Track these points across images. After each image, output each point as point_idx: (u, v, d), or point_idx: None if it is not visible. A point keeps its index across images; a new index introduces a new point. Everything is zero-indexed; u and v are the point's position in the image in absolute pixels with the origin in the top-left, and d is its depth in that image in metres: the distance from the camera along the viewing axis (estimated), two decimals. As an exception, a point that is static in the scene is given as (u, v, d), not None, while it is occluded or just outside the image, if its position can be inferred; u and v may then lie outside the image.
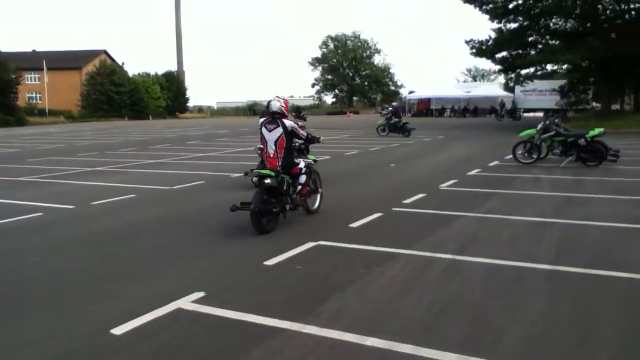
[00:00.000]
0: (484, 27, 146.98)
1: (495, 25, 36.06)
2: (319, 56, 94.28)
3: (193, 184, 11.63)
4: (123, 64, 70.47)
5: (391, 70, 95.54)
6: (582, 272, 5.22)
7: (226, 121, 56.09)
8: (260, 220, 6.98)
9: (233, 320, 4.24)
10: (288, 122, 7.60)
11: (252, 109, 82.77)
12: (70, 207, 9.19)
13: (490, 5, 34.56)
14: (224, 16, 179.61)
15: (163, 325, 4.18)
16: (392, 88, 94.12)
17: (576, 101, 44.08)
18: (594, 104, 46.88)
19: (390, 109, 62.72)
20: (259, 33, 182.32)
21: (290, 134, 7.55)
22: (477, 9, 35.09)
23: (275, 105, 7.61)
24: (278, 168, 7.44)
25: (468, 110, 55.32)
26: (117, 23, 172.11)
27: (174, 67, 79.56)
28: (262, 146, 7.80)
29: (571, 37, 34.73)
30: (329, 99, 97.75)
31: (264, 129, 7.59)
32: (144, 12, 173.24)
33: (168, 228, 7.60)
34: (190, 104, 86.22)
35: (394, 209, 8.46)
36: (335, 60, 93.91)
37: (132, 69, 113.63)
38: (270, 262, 5.71)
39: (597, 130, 13.47)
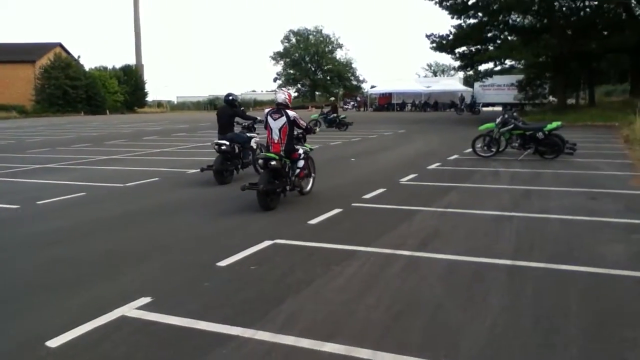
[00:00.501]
0: (446, 23, 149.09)
1: (455, 21, 36.41)
2: (281, 50, 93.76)
3: (147, 181, 11.22)
4: (79, 57, 68.55)
5: (353, 65, 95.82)
6: (543, 267, 5.15)
7: (185, 116, 55.19)
8: (266, 199, 8.00)
9: (181, 327, 3.98)
10: (291, 113, 8.47)
11: (212, 104, 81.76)
12: (15, 207, 8.71)
13: (450, 1, 34.78)
14: (184, 8, 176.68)
15: (104, 335, 3.89)
16: (354, 83, 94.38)
17: (533, 95, 44.91)
18: (551, 98, 47.95)
19: (352, 102, 63.05)
20: (221, 26, 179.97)
21: (292, 122, 8.45)
22: (437, 5, 35.29)
23: (280, 97, 8.65)
24: (281, 152, 8.37)
25: (428, 104, 55.96)
26: (73, 15, 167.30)
27: (132, 61, 77.79)
28: (265, 135, 8.68)
29: (529, 33, 35.34)
30: (291, 93, 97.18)
31: (269, 118, 8.50)
32: (102, 4, 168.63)
33: (117, 228, 7.24)
34: (150, 98, 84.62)
35: (354, 204, 8.29)
36: (297, 54, 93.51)
37: (89, 63, 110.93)
38: (223, 263, 5.45)
39: (554, 124, 13.62)
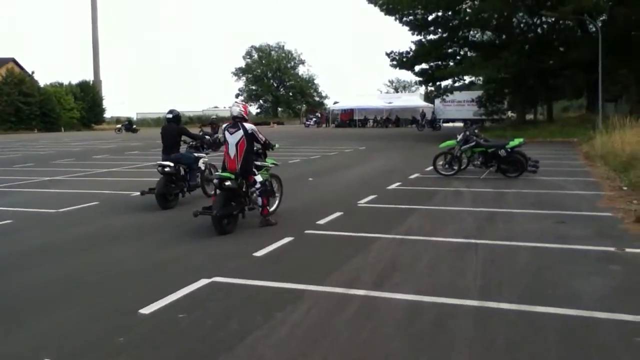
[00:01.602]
0: (407, 39, 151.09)
1: (416, 37, 36.44)
2: (243, 66, 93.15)
3: (84, 205, 10.27)
4: (33, 72, 66.24)
5: (315, 81, 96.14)
6: (515, 309, 4.52)
7: (143, 133, 53.70)
8: (221, 223, 7.44)
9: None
10: (248, 125, 7.92)
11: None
12: None
13: (410, 18, 34.77)
14: (145, 23, 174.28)
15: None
16: (317, 99, 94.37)
17: (492, 111, 45.35)
18: (510, 113, 48.52)
19: (314, 119, 62.75)
20: (182, 42, 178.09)
21: (250, 136, 7.87)
22: (398, 21, 35.23)
23: (235, 110, 8.06)
24: (237, 170, 7.79)
25: (390, 120, 56.02)
26: (27, 30, 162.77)
27: (90, 77, 75.84)
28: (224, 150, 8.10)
29: (488, 49, 35.59)
30: (253, 109, 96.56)
31: (226, 133, 7.93)
32: (58, 18, 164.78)
33: (30, 265, 6.33)
34: (108, 114, 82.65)
35: (307, 231, 7.58)
36: (259, 70, 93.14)
37: (44, 79, 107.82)
38: (147, 309, 4.65)
39: (516, 141, 13.25)
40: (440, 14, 34.35)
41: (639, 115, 26.16)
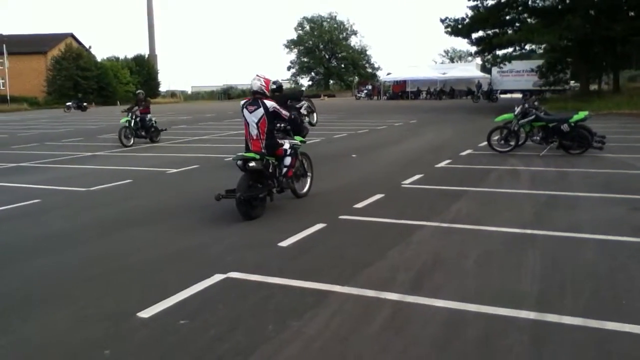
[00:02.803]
0: (462, 5, 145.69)
1: (472, 3, 34.49)
2: (295, 38, 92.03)
3: (117, 183, 9.91)
4: (90, 47, 67.88)
5: (368, 52, 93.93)
6: (578, 325, 3.68)
7: (196, 106, 53.96)
8: (246, 208, 6.82)
9: None
10: (269, 103, 7.28)
11: (227, 93, 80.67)
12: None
13: (466, -18, 32.88)
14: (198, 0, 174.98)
15: None
16: (369, 70, 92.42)
17: (554, 81, 42.83)
18: (572, 83, 45.79)
19: (365, 91, 61.54)
20: (234, 15, 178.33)
21: (272, 114, 7.27)
22: (452, -15, 33.40)
23: (256, 85, 7.38)
24: (262, 150, 7.22)
25: (444, 92, 54.07)
26: (84, 5, 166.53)
27: (145, 51, 76.88)
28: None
29: (550, 15, 33.29)
30: (305, 82, 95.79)
31: (245, 111, 7.35)
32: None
33: (38, 254, 5.87)
34: (163, 88, 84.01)
35: (341, 216, 6.86)
36: (311, 42, 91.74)
37: (101, 53, 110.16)
38: (146, 313, 4.08)
39: (581, 114, 12.00)
40: (498, -23, 32.33)
41: None
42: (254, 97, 7.36)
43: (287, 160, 7.52)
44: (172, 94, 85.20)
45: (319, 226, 6.41)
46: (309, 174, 8.41)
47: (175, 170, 11.29)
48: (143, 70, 71.47)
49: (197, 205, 7.90)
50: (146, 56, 74.99)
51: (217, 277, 4.79)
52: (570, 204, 7.27)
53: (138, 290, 4.64)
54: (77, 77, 59.41)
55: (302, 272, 4.87)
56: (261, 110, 7.20)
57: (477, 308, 3.98)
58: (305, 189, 8.26)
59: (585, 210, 6.90)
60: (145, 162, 12.71)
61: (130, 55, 72.31)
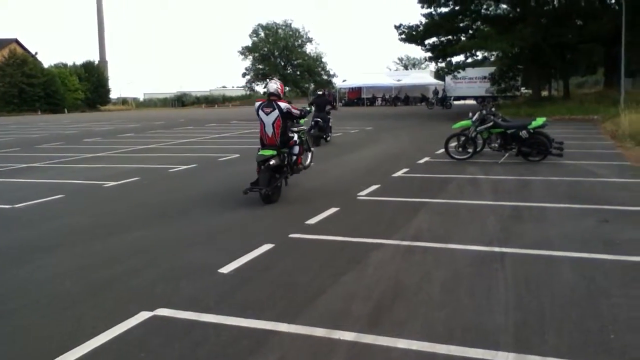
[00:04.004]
0: (416, 12, 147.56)
1: (426, 10, 34.52)
2: (250, 45, 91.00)
3: (49, 198, 8.96)
4: (36, 53, 65.07)
5: (323, 59, 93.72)
6: (567, 370, 3.13)
7: (147, 114, 52.34)
8: (268, 198, 7.87)
9: None
10: (283, 104, 8.15)
11: (180, 100, 78.93)
12: None
13: (420, -12, 32.90)
14: (150, 2, 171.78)
15: None
16: (325, 77, 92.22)
17: (506, 88, 43.43)
18: (523, 90, 46.53)
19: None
20: (188, 21, 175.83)
21: (286, 115, 8.16)
22: (406, -8, 33.36)
23: (272, 87, 8.30)
24: (277, 143, 8.16)
25: (399, 98, 54.25)
26: (30, 10, 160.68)
27: (96, 57, 74.56)
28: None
29: (503, 23, 33.68)
30: (260, 88, 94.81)
31: (261, 112, 8.19)
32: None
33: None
34: (114, 95, 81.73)
35: (292, 235, 6.19)
36: (266, 49, 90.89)
37: (48, 60, 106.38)
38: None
39: (539, 121, 11.70)
40: (451, -15, 32.46)
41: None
42: (269, 98, 8.21)
43: (296, 149, 8.53)
44: (124, 101, 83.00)
45: (266, 247, 5.72)
46: (311, 148, 9.59)
47: (113, 183, 10.40)
48: (92, 77, 69.03)
49: (129, 225, 7.08)
50: (96, 62, 72.64)
51: (143, 316, 4.05)
52: (536, 216, 6.81)
53: (43, 336, 3.84)
54: (22, 84, 56.74)
55: (243, 307, 4.17)
56: (276, 112, 8.08)
57: (447, 350, 3.37)
58: (308, 161, 9.28)
59: (553, 224, 6.43)
60: (83, 174, 11.73)
61: (79, 62, 69.82)
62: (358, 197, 8.34)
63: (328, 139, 17.35)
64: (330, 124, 17.56)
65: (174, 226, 6.97)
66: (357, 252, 5.47)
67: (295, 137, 8.54)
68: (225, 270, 5.03)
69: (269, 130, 8.18)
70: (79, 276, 5.08)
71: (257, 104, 8.34)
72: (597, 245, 5.45)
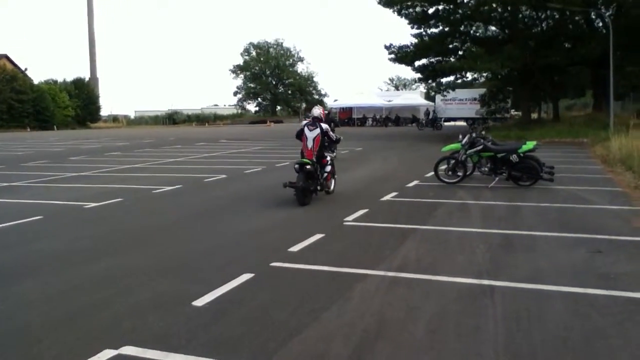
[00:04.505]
0: (407, 35, 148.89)
1: (416, 30, 34.70)
2: (241, 63, 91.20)
3: (26, 220, 8.63)
4: (26, 69, 64.57)
5: (315, 79, 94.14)
6: None
7: (137, 131, 52.00)
8: (302, 196, 9.54)
9: None
10: (324, 125, 10.28)
11: (171, 118, 78.64)
12: None
13: (410, 10, 33.06)
14: (143, 19, 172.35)
15: None
16: (316, 97, 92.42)
17: (496, 110, 43.60)
18: (513, 112, 46.72)
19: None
20: (180, 39, 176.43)
21: (324, 133, 10.18)
22: (396, 13, 33.52)
23: (316, 112, 10.49)
24: (313, 158, 9.96)
25: (390, 119, 54.23)
26: (20, 26, 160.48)
27: (87, 74, 74.28)
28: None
29: (492, 45, 33.88)
30: (252, 107, 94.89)
31: (306, 129, 10.14)
32: (53, 13, 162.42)
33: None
34: (105, 112, 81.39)
35: (273, 264, 5.93)
36: (257, 68, 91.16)
37: (38, 76, 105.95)
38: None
39: (530, 144, 11.55)
40: (441, 7, 32.65)
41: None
42: (314, 120, 10.27)
43: (328, 168, 10.40)
44: (114, 119, 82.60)
45: (245, 277, 5.45)
46: (335, 176, 10.96)
47: (94, 205, 10.09)
48: (83, 93, 68.60)
49: (104, 251, 6.78)
50: (86, 79, 72.35)
51: (106, 355, 3.76)
52: (526, 246, 6.58)
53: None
54: (12, 101, 56.23)
55: (215, 346, 3.89)
56: (318, 130, 10.09)
57: (432, 400, 3.11)
58: (332, 187, 10.75)
59: (544, 254, 6.20)
60: (65, 195, 11.40)
61: (69, 78, 69.49)
62: (344, 223, 8.09)
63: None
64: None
65: (150, 252, 6.68)
66: (341, 284, 5.21)
67: (329, 158, 10.44)
68: (199, 302, 4.75)
69: (310, 144, 10.02)
70: (41, 308, 4.77)
71: (304, 122, 10.65)
72: (590, 279, 5.23)
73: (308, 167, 9.72)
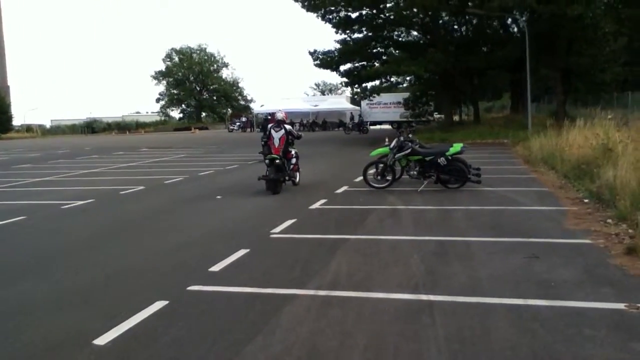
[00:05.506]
0: (331, 40, 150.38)
1: (340, 35, 34.68)
2: (163, 69, 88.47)
3: None
4: None
5: (240, 85, 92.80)
6: None
7: (52, 141, 49.09)
8: (274, 185, 11.38)
9: None
10: (287, 126, 12.30)
11: (90, 127, 75.13)
12: None
13: (333, 14, 32.98)
14: (57, 24, 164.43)
15: None
16: (242, 102, 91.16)
17: (419, 113, 44.41)
18: (436, 115, 47.75)
19: (238, 123, 60.27)
20: (99, 46, 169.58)
21: (289, 133, 12.10)
22: (320, 18, 33.34)
23: (279, 116, 12.60)
24: (280, 154, 11.73)
25: (317, 124, 54.21)
26: None
27: (-4, 83, 69.71)
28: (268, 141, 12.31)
29: (414, 49, 34.42)
30: (176, 114, 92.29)
31: (272, 130, 12.08)
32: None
33: None
34: (19, 122, 76.87)
35: (191, 287, 5.30)
36: (180, 74, 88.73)
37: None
38: None
39: (457, 147, 11.43)
40: (364, 12, 32.79)
41: (569, 115, 25.72)
42: (278, 122, 12.30)
43: (293, 160, 12.39)
44: (28, 129, 78.10)
45: (158, 305, 4.79)
46: (299, 169, 12.88)
47: (-9, 225, 9.01)
48: (-8, 102, 64.54)
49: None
50: (-5, 88, 68.00)
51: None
52: (462, 254, 6.28)
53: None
54: None
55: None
56: (282, 131, 11.96)
57: None
58: (297, 179, 12.68)
59: (480, 262, 5.91)
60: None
61: (-23, 87, 65.03)
62: (271, 235, 7.53)
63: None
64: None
65: (52, 280, 5.87)
66: (267, 309, 4.66)
67: (293, 152, 12.33)
68: (101, 341, 4.08)
69: (276, 143, 11.86)
70: None
71: (270, 125, 12.60)
72: (531, 288, 4.95)
73: (277, 161, 11.49)
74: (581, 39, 29.10)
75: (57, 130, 79.97)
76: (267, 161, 11.70)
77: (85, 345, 4.02)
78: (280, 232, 7.70)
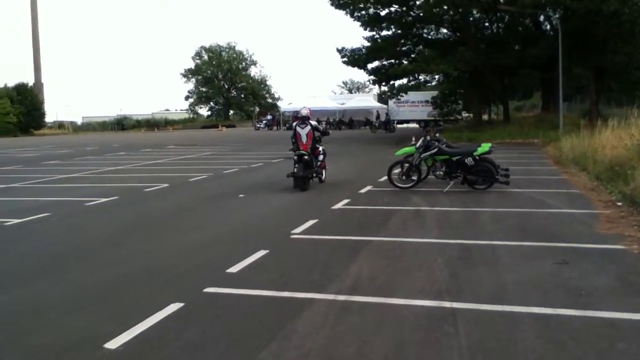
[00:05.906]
0: (360, 37, 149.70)
1: (368, 33, 34.42)
2: (193, 67, 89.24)
3: None
4: (-36, 74, 61.43)
5: (268, 83, 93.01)
6: None
7: (82, 138, 49.96)
8: (302, 182, 11.46)
9: None
10: (313, 122, 12.38)
11: (120, 124, 76.24)
12: None
13: (362, 12, 32.74)
14: (91, 23, 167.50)
15: None
16: (270, 100, 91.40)
17: (448, 112, 43.83)
18: (464, 114, 47.10)
19: (264, 121, 60.54)
20: (129, 43, 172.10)
21: (314, 128, 12.24)
22: (349, 15, 33.13)
23: (304, 112, 12.41)
24: (308, 150, 11.85)
25: (343, 122, 54.02)
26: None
27: (30, 80, 71.11)
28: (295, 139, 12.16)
29: (444, 47, 33.94)
30: (204, 112, 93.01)
31: (298, 127, 12.16)
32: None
33: None
34: (51, 118, 78.35)
35: (208, 289, 5.19)
36: (209, 72, 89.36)
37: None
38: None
39: (485, 147, 11.14)
40: (393, 9, 32.47)
41: (602, 115, 25.02)
42: (302, 119, 12.22)
43: (321, 157, 12.51)
44: (60, 125, 79.53)
45: (172, 308, 4.69)
46: (326, 167, 12.89)
47: (17, 221, 9.09)
48: (26, 99, 65.68)
49: (15, 277, 5.90)
50: (29, 85, 69.27)
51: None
52: (487, 259, 6.05)
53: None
54: (-52, 106, 53.43)
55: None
56: (309, 127, 12.08)
57: None
58: (324, 177, 12.75)
59: (506, 268, 5.67)
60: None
61: (11, 84, 66.32)
62: (292, 236, 7.40)
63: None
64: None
65: (69, 279, 5.83)
66: (283, 314, 4.52)
67: (321, 148, 12.49)
68: (112, 344, 3.98)
69: (304, 139, 11.94)
70: None
71: (294, 123, 12.63)
72: (560, 296, 4.71)
73: (306, 157, 11.62)
74: (617, 36, 28.22)
75: (88, 127, 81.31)
76: (295, 157, 11.68)
77: (98, 348, 3.94)
78: (301, 233, 7.56)
